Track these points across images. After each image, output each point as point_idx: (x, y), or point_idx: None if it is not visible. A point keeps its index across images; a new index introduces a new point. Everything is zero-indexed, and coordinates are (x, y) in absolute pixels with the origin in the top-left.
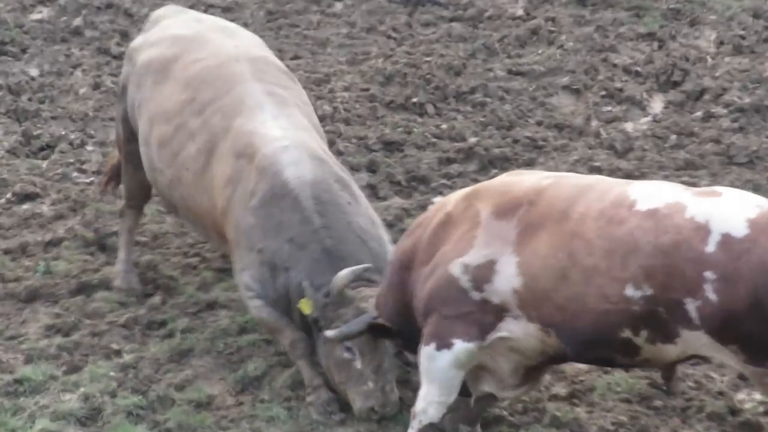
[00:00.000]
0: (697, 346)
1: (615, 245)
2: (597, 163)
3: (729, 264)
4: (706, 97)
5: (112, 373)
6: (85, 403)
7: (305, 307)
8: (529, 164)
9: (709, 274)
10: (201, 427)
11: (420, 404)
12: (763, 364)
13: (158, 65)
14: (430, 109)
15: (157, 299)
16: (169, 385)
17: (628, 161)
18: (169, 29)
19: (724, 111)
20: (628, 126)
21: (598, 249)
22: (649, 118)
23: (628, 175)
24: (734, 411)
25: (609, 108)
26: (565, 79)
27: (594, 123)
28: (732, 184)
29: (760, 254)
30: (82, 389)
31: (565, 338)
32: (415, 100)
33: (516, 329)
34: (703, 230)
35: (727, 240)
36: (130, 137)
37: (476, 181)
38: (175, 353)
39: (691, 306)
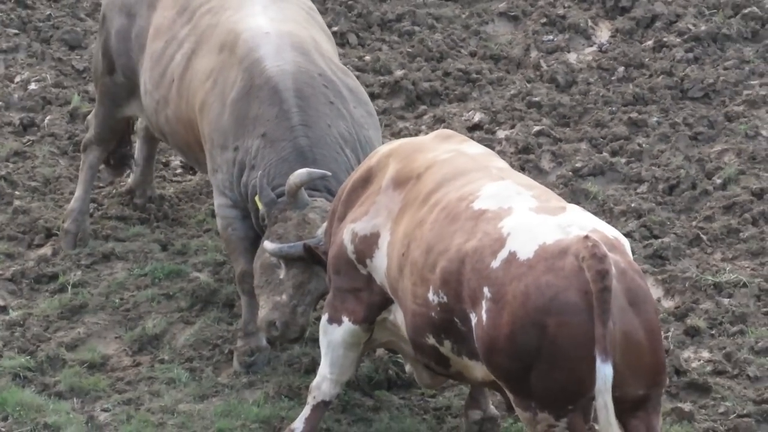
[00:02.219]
0: None
1: (435, 242)
2: (536, 98)
3: (503, 285)
4: (658, 24)
5: None
6: None
7: (259, 202)
8: (462, 100)
9: (486, 291)
10: (94, 390)
11: (316, 379)
12: (529, 407)
13: None
14: (352, 38)
15: (47, 250)
16: (60, 344)
17: (571, 96)
18: None
19: (678, 40)
20: (571, 57)
21: (424, 242)
22: (594, 48)
23: (571, 110)
24: (680, 371)
25: (550, 37)
26: (501, 5)
27: (533, 54)
28: (685, 121)
29: (527, 282)
30: None
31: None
32: (335, 28)
33: (399, 316)
34: (499, 242)
35: (511, 258)
36: (106, 70)
37: (402, 119)
38: (67, 309)
39: (474, 321)
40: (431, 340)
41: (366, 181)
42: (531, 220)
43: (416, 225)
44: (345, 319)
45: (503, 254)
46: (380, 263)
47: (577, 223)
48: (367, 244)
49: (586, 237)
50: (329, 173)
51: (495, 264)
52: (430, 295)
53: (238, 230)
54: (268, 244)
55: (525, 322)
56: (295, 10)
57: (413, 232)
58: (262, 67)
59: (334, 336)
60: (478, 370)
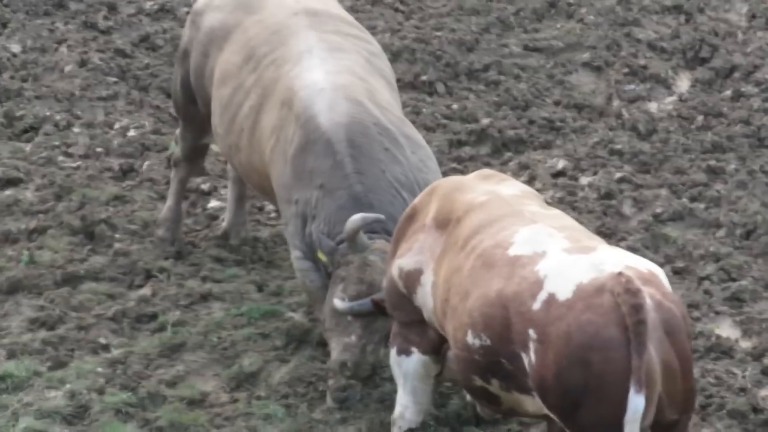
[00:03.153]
0: None
1: (472, 287)
2: (618, 146)
3: (546, 326)
4: (736, 74)
5: (99, 369)
6: (71, 401)
7: (322, 256)
8: (546, 147)
9: (532, 332)
10: (194, 426)
11: (397, 409)
12: None
13: (221, 32)
14: (440, 87)
15: (146, 291)
16: (160, 381)
17: (652, 144)
18: None
19: (755, 90)
20: (652, 106)
21: (462, 289)
22: (674, 98)
23: (652, 157)
24: (757, 409)
25: (632, 86)
26: (585, 56)
27: (616, 103)
28: (762, 168)
29: (569, 322)
30: (67, 386)
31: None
32: (424, 78)
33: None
34: (537, 285)
35: (551, 300)
36: (188, 101)
37: (488, 165)
38: (166, 348)
39: (526, 361)
40: (479, 382)
41: (411, 218)
42: (565, 262)
43: (454, 271)
44: (414, 350)
45: (542, 296)
46: (425, 300)
47: (609, 261)
48: (411, 280)
49: (620, 273)
50: (383, 217)
51: (536, 306)
52: (470, 339)
53: (315, 281)
54: (338, 303)
55: (570, 360)
56: (354, 59)
57: (452, 279)
58: (316, 123)
59: (407, 367)
60: (530, 404)
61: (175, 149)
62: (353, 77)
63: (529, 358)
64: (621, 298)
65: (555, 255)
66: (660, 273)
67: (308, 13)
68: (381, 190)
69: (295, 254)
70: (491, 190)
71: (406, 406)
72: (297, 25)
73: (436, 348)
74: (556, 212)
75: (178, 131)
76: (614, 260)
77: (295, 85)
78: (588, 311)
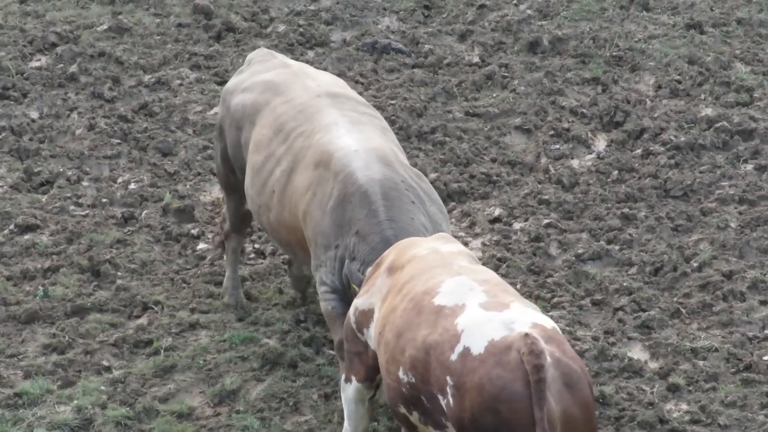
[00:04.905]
0: None
1: (404, 329)
2: (546, 196)
3: (462, 376)
4: (645, 136)
5: (102, 387)
6: (78, 415)
7: (355, 288)
8: (484, 198)
9: (449, 380)
10: None
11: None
12: None
13: (252, 110)
14: None
15: (143, 320)
16: (154, 397)
17: (574, 194)
18: (260, 75)
19: (662, 149)
20: (575, 162)
21: (395, 327)
22: (593, 156)
23: (574, 206)
24: (663, 420)
25: (557, 146)
26: (517, 120)
27: (543, 160)
28: (668, 215)
29: (481, 375)
30: (75, 402)
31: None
32: None
33: None
34: (455, 338)
35: (466, 353)
36: (228, 171)
37: None
38: (160, 369)
39: (443, 403)
40: (402, 410)
41: (376, 267)
42: (480, 318)
43: (391, 310)
44: (353, 378)
45: (459, 348)
46: (372, 333)
47: (519, 320)
48: (365, 317)
49: (527, 335)
50: None
51: (453, 357)
52: (401, 374)
53: (337, 308)
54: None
55: (483, 407)
56: (372, 129)
57: (388, 316)
58: (354, 178)
59: (348, 393)
60: None
61: (225, 225)
62: (376, 142)
63: (447, 401)
64: (525, 357)
65: (472, 310)
66: (558, 329)
67: (329, 95)
68: (408, 234)
69: (323, 288)
70: (433, 247)
71: (346, 429)
72: (321, 104)
73: (371, 377)
74: (481, 268)
75: (223, 209)
76: (523, 319)
77: (330, 149)
78: (498, 367)
